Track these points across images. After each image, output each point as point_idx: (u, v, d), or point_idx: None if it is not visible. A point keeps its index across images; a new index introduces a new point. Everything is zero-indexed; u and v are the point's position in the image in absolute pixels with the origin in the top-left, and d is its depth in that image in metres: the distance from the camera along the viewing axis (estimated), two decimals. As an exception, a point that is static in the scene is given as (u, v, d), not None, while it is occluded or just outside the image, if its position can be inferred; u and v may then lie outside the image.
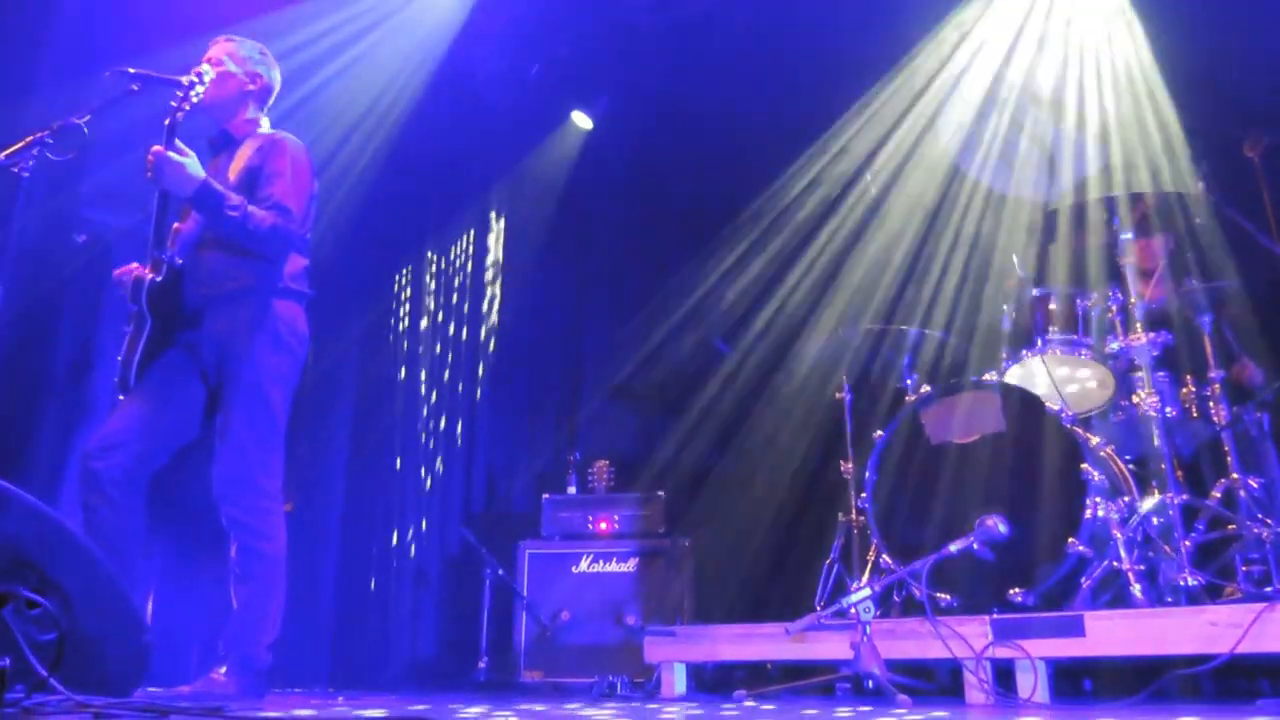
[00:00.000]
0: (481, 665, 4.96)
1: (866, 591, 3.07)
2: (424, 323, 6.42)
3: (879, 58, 5.87)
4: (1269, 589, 3.26)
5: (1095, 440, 3.71)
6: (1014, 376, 3.97)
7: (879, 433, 3.97)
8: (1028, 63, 5.93)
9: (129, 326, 3.24)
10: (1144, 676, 3.03)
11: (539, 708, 2.80)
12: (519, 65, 6.38)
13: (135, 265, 3.27)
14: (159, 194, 3.21)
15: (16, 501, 2.08)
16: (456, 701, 3.42)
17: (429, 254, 6.56)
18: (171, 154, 3.11)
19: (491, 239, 6.74)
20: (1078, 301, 4.01)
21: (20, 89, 4.34)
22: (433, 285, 6.52)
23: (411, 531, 6.10)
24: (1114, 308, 3.88)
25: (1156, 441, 3.59)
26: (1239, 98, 4.75)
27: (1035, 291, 4.10)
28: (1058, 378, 3.92)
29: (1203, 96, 4.99)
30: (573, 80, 6.55)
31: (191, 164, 3.14)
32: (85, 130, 3.14)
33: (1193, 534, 3.51)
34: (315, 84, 5.13)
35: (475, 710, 2.48)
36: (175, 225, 3.37)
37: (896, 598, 3.82)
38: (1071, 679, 4.02)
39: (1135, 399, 3.78)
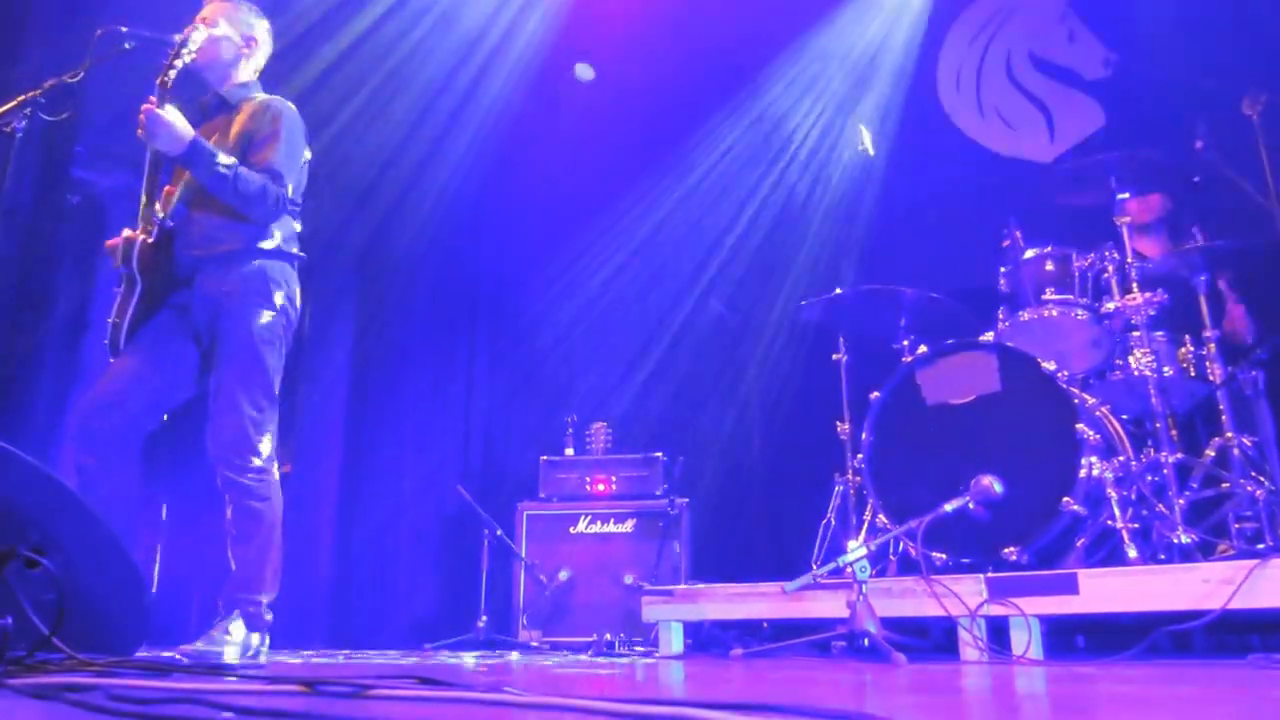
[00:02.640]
0: (480, 624, 5.00)
1: (863, 551, 3.09)
2: (422, 282, 6.39)
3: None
4: (1261, 546, 3.29)
5: (1091, 400, 3.73)
6: (1010, 337, 3.97)
7: (876, 393, 3.98)
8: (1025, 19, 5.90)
9: (119, 288, 3.23)
10: (1137, 633, 3.06)
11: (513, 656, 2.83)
12: (514, 17, 6.31)
13: (126, 231, 3.26)
14: (151, 154, 3.19)
15: (16, 462, 2.09)
16: (455, 660, 3.45)
17: (423, 214, 6.51)
18: (162, 112, 3.09)
19: (487, 195, 6.69)
20: (1074, 261, 4.01)
21: (12, 48, 4.29)
22: (429, 245, 6.48)
23: (411, 492, 6.11)
24: (1110, 268, 3.87)
25: (1152, 401, 3.60)
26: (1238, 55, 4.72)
27: (1032, 251, 4.09)
28: (1054, 338, 3.92)
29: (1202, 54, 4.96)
30: (573, 33, 6.46)
31: (180, 122, 3.11)
32: (77, 89, 3.11)
33: (1187, 492, 3.53)
34: (311, 38, 5.08)
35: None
36: (167, 187, 3.35)
37: (892, 557, 3.84)
38: (1065, 636, 4.06)
39: (1131, 359, 3.79)
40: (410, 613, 5.89)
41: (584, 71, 6.70)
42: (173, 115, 3.11)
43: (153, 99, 3.11)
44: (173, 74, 3.19)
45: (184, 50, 3.22)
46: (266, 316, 3.25)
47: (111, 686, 1.52)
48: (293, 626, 4.67)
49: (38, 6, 4.44)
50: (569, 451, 5.42)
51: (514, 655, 4.24)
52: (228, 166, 3.15)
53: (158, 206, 3.25)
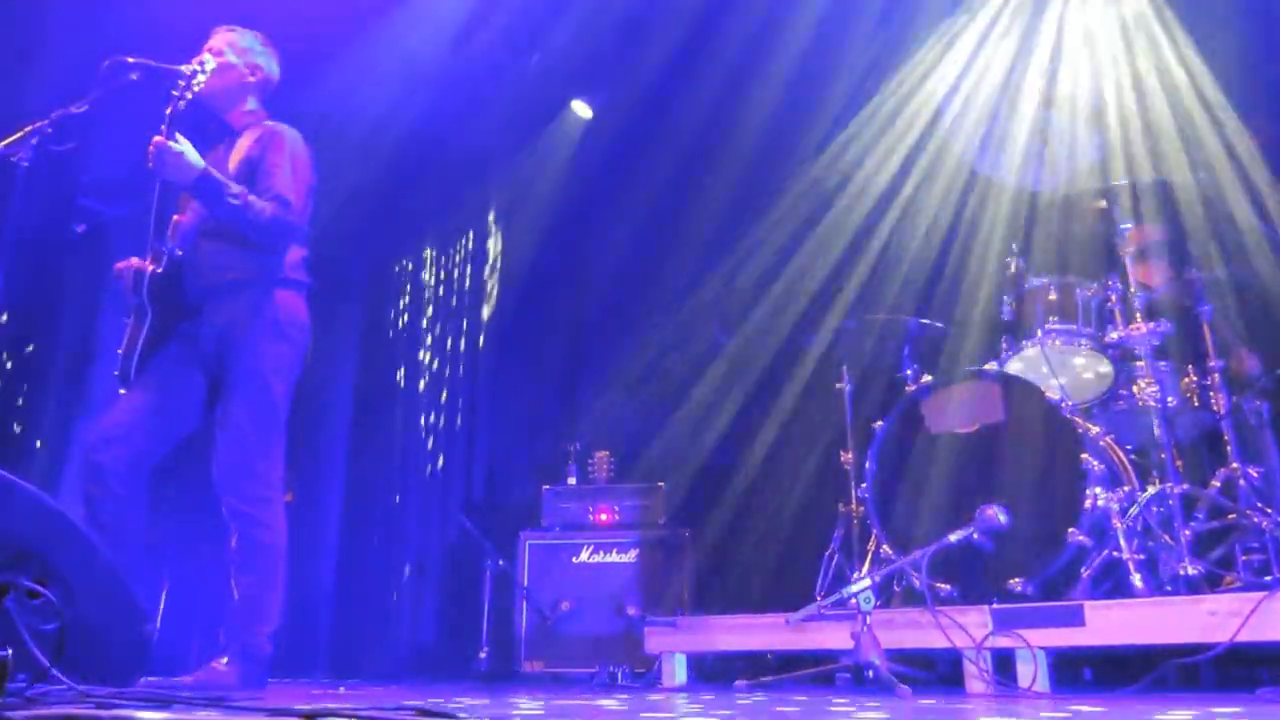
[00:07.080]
0: (482, 655, 4.97)
1: (867, 581, 3.07)
2: (425, 312, 6.41)
3: (885, 53, 5.87)
4: (1268, 578, 3.26)
5: (1095, 430, 3.71)
6: (1014, 366, 3.97)
7: (879, 423, 3.97)
8: (1036, 57, 5.93)
9: (129, 319, 3.24)
10: (1144, 666, 3.03)
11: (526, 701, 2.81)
12: (517, 56, 6.35)
13: (135, 259, 3.27)
14: (159, 185, 3.20)
15: (19, 492, 2.09)
16: (457, 691, 3.43)
17: (428, 246, 6.55)
18: (171, 144, 3.11)
19: (491, 228, 6.72)
20: (1078, 291, 4.01)
21: (20, 78, 4.33)
22: (433, 276, 6.51)
23: (412, 521, 6.10)
24: (1114, 297, 3.87)
25: (1156, 431, 3.59)
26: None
27: (1035, 281, 4.09)
28: (1058, 367, 3.91)
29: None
30: (572, 70, 6.50)
31: (190, 153, 3.14)
32: (84, 120, 3.13)
33: (1192, 523, 3.51)
34: (311, 76, 5.11)
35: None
36: (175, 217, 3.37)
37: (897, 588, 3.82)
38: (1071, 668, 4.03)
39: (1135, 388, 3.78)
40: (411, 643, 5.87)
41: (581, 110, 6.73)
42: (183, 146, 3.13)
43: (163, 127, 3.13)
44: (182, 104, 3.21)
45: (193, 80, 3.25)
46: (274, 345, 3.25)
47: (112, 718, 1.51)
48: (293, 656, 4.65)
49: (45, 38, 4.48)
50: (571, 481, 5.40)
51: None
52: (236, 196, 3.16)
53: (167, 237, 3.26)
